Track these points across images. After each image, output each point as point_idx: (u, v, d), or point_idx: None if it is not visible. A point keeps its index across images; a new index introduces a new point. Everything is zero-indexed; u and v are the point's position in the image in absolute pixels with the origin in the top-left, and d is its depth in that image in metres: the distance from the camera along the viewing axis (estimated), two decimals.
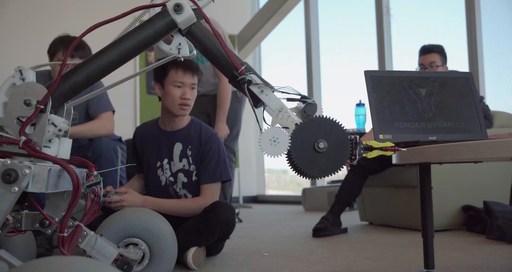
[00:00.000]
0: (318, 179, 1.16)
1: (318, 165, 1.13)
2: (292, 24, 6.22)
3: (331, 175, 1.15)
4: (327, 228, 2.76)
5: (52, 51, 2.44)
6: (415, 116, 1.39)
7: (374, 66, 4.97)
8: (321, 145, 1.12)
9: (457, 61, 4.25)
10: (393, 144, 1.19)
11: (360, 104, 3.28)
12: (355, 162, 1.19)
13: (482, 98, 3.28)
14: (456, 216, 2.86)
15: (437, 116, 1.40)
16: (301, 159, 1.12)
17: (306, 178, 1.16)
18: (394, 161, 1.39)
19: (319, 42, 5.87)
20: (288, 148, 1.12)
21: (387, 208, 3.18)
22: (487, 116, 2.95)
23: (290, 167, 1.16)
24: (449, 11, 4.74)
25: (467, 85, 1.46)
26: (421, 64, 3.10)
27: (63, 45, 2.41)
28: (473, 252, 2.10)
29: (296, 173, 1.16)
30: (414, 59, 3.22)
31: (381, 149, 1.18)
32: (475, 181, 2.92)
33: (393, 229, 3.02)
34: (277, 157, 1.13)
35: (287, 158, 1.16)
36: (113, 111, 2.64)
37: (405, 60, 4.94)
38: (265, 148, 1.12)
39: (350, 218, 3.67)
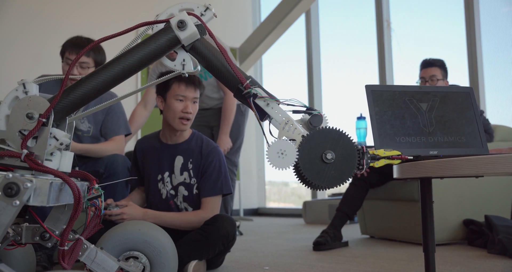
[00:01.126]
0: (326, 190, 1.16)
1: (326, 176, 1.13)
2: (293, 34, 6.25)
3: (340, 185, 1.15)
4: (328, 242, 2.75)
5: (62, 52, 2.45)
6: (416, 130, 1.39)
7: (375, 77, 4.99)
8: (329, 156, 1.13)
9: (458, 75, 4.27)
10: (399, 153, 1.19)
11: (361, 117, 3.28)
12: (363, 171, 1.19)
13: (482, 112, 3.29)
14: (457, 230, 2.85)
15: (438, 130, 1.40)
16: (309, 171, 1.13)
17: (314, 190, 1.16)
18: (395, 175, 1.39)
19: (320, 52, 5.90)
20: (296, 160, 1.12)
21: (388, 222, 3.17)
22: (488, 130, 2.95)
23: (298, 179, 1.16)
24: (450, 25, 4.78)
25: (467, 99, 1.46)
26: (421, 77, 3.11)
27: (71, 45, 2.40)
28: (475, 266, 2.09)
29: (304, 185, 1.16)
30: (414, 72, 3.24)
31: (388, 158, 1.18)
32: (476, 195, 2.91)
33: (394, 243, 3.01)
34: (285, 169, 1.13)
35: (294, 170, 1.16)
36: (126, 134, 2.59)
37: (406, 73, 4.97)
38: (272, 161, 1.12)
39: (351, 231, 3.65)
